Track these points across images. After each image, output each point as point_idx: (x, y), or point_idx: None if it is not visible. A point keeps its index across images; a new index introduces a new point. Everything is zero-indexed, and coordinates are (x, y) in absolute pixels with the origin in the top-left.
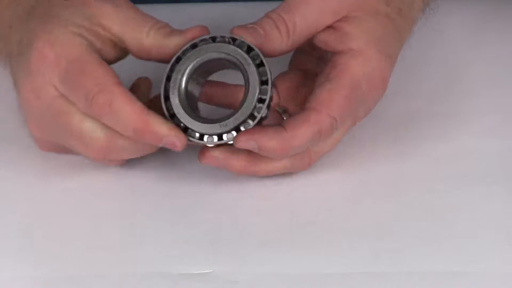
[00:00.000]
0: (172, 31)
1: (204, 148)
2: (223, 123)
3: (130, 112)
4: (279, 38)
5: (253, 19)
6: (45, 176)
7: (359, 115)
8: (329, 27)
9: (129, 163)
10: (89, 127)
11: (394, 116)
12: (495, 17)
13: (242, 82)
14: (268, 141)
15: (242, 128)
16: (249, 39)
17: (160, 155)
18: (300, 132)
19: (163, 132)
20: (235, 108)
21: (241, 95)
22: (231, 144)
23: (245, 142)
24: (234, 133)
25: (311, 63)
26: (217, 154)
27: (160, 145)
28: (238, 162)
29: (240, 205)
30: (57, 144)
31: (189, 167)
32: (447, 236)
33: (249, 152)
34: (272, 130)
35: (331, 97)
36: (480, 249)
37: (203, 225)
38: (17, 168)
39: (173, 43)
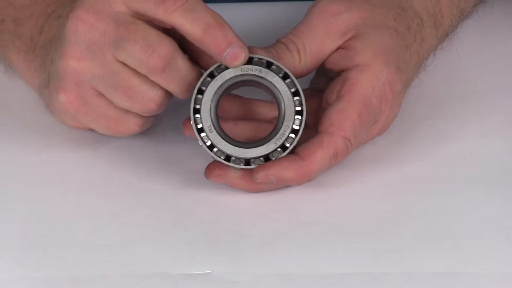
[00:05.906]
0: None
1: (211, 165)
2: (252, 149)
3: (206, 9)
4: (291, 58)
5: (256, 21)
6: (45, 175)
7: (373, 132)
8: (340, 48)
9: (129, 163)
10: (156, 34)
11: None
12: (497, 19)
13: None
14: (286, 172)
15: (272, 158)
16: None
17: (161, 155)
18: (316, 158)
19: (233, 36)
20: (249, 119)
21: (257, 109)
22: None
23: (263, 178)
24: (262, 159)
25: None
26: (222, 173)
27: (223, 55)
28: (243, 180)
29: (240, 205)
30: (91, 80)
31: (189, 167)
32: (447, 236)
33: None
34: (288, 161)
35: (343, 118)
36: (480, 249)
37: (203, 226)
38: (18, 168)
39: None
